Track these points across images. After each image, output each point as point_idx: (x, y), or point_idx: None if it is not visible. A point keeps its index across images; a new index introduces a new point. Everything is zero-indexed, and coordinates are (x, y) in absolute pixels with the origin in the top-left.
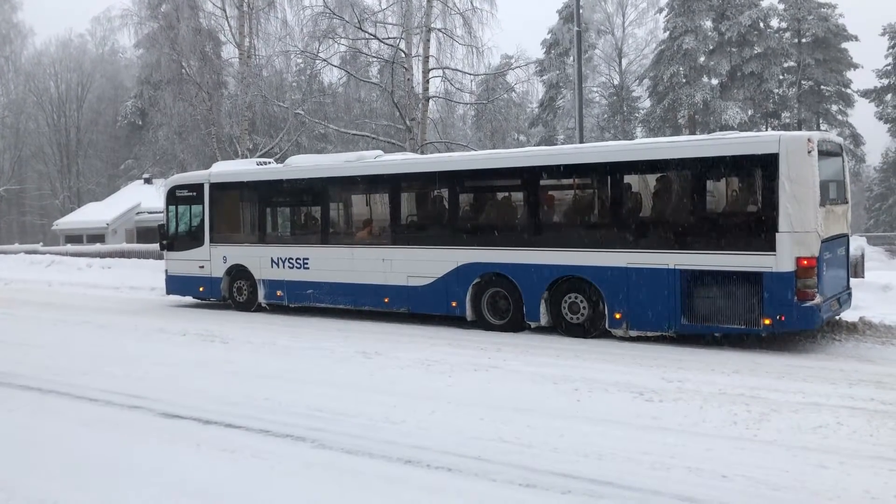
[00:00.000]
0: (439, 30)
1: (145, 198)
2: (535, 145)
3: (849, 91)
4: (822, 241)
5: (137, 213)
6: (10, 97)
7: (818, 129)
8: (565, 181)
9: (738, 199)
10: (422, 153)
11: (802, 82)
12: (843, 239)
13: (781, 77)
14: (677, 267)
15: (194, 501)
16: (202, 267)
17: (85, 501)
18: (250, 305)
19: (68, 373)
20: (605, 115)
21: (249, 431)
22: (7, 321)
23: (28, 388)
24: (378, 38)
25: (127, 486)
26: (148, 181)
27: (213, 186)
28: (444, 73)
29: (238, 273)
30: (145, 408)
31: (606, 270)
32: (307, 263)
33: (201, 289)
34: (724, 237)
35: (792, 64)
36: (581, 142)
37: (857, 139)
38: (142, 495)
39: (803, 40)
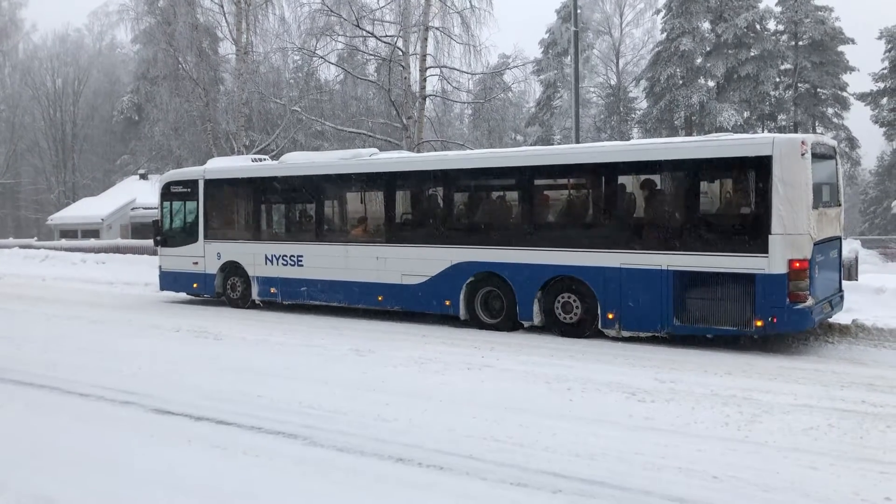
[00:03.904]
0: (437, 28)
1: (140, 193)
2: (531, 145)
3: (845, 94)
4: (815, 244)
5: (132, 209)
6: (7, 91)
7: (814, 132)
8: (560, 181)
9: (732, 201)
10: (418, 151)
11: (798, 85)
12: (835, 242)
13: (778, 80)
14: (670, 268)
15: (185, 497)
16: (196, 263)
17: (76, 496)
18: (244, 302)
19: (61, 368)
20: (602, 116)
21: (241, 428)
22: (0, 316)
23: (20, 384)
24: (375, 36)
25: (118, 481)
26: (143, 177)
27: (208, 183)
28: (441, 71)
29: (232, 270)
30: (137, 403)
31: (600, 270)
32: (301, 261)
33: (195, 285)
34: (716, 238)
35: (788, 66)
36: (577, 142)
37: (852, 142)
38: (133, 490)
39: (800, 43)
